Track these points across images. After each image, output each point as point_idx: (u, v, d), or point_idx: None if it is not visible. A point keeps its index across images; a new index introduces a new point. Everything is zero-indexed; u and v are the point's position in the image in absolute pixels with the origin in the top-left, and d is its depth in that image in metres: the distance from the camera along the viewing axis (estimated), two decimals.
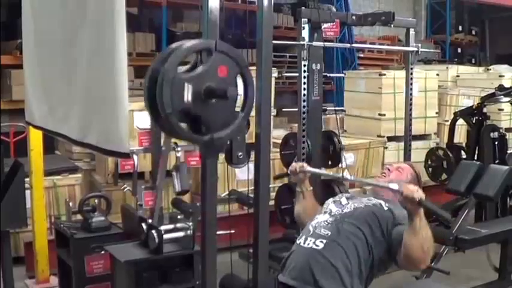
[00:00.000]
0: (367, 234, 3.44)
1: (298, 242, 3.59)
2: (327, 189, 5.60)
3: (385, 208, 3.57)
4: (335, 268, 3.37)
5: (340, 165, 3.83)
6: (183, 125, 2.71)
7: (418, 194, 3.12)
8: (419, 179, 3.88)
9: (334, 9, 5.92)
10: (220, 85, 2.70)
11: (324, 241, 3.45)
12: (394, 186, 3.36)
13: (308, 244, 3.49)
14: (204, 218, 2.94)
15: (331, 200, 3.77)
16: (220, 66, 2.73)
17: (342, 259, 3.39)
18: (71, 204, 4.99)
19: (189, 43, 2.74)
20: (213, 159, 2.92)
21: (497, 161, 6.89)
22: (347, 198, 3.73)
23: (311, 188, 3.99)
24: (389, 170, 3.89)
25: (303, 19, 5.41)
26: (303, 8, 5.46)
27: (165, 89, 2.58)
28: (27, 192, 5.28)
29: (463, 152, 7.61)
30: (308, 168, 3.91)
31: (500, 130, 7.19)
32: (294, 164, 3.94)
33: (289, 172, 3.97)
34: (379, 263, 3.47)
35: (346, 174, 3.75)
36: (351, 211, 3.59)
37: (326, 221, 3.57)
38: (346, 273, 3.37)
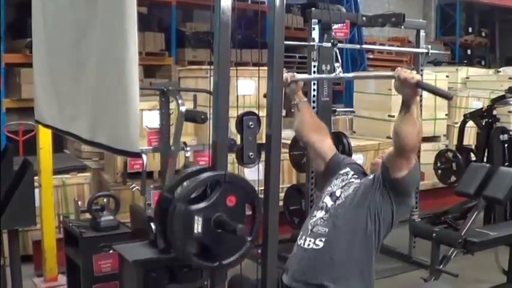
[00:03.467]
0: (363, 216, 3.43)
1: (298, 242, 3.57)
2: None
3: (369, 177, 3.59)
4: (338, 265, 3.37)
5: (334, 71, 3.76)
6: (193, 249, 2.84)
7: (416, 75, 3.10)
8: None
9: (343, 10, 5.91)
10: (229, 218, 2.79)
11: (323, 239, 3.44)
12: (390, 73, 3.28)
13: (308, 245, 3.48)
14: None
15: (327, 192, 3.70)
16: (229, 196, 2.82)
17: (344, 254, 3.39)
18: (79, 203, 4.99)
19: (200, 177, 2.83)
20: (221, 283, 3.03)
21: (506, 164, 6.87)
22: (341, 188, 3.66)
23: (305, 99, 3.96)
24: (382, 157, 3.77)
25: (313, 20, 5.41)
26: (314, 8, 5.45)
27: (175, 223, 2.70)
28: (36, 190, 5.29)
29: (472, 154, 7.58)
30: (299, 76, 3.87)
31: (510, 132, 7.18)
32: (284, 74, 3.70)
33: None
34: (389, 219, 3.48)
35: (339, 72, 3.67)
36: (342, 201, 3.56)
37: (322, 218, 3.54)
38: (350, 266, 3.37)
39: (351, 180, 3.70)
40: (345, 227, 3.45)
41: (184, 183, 2.86)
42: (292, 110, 3.96)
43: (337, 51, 4.37)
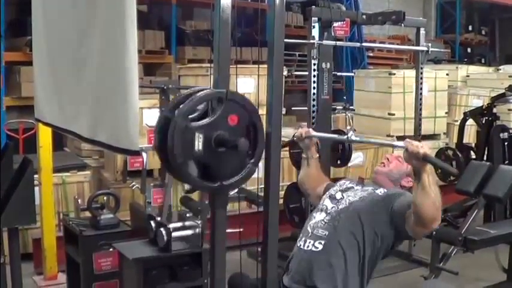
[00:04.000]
0: (366, 226, 3.43)
1: (298, 244, 3.57)
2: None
3: (380, 193, 3.58)
4: (335, 269, 3.36)
5: (346, 135, 3.80)
6: (194, 170, 2.77)
7: (423, 148, 3.08)
8: None
9: (343, 8, 5.91)
10: (231, 136, 2.74)
11: (323, 242, 3.44)
12: (399, 143, 3.32)
13: (308, 247, 3.48)
14: (214, 212, 2.95)
15: (327, 194, 3.74)
16: (230, 115, 2.77)
17: (342, 258, 3.38)
18: (79, 201, 4.99)
19: (200, 93, 2.77)
20: (222, 208, 2.96)
21: (506, 162, 6.87)
22: (342, 192, 3.69)
23: (317, 155, 3.98)
24: (388, 159, 3.88)
25: (313, 18, 5.40)
26: (314, 6, 5.45)
27: (176, 139, 2.64)
28: (36, 189, 5.29)
29: (472, 153, 7.58)
30: (314, 133, 3.89)
31: (510, 130, 7.17)
32: (300, 129, 3.91)
33: (295, 139, 3.94)
34: (387, 244, 3.46)
35: (351, 135, 3.70)
36: (346, 206, 3.57)
37: (323, 220, 3.55)
38: (346, 271, 3.36)
39: (350, 185, 3.75)
40: (345, 232, 3.45)
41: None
42: (303, 158, 4.02)
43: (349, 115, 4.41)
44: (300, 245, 3.54)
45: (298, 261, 3.51)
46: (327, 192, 3.77)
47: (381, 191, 3.61)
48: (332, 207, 3.60)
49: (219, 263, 2.99)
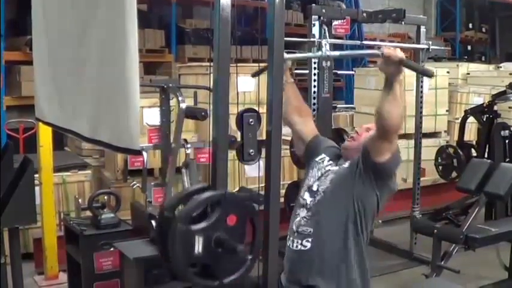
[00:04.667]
0: (345, 205, 3.39)
1: (287, 244, 3.56)
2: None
3: (345, 164, 3.52)
4: (328, 263, 3.35)
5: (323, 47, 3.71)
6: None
7: (399, 53, 3.07)
8: None
9: (344, 6, 5.90)
10: (229, 237, 2.76)
11: (310, 239, 3.42)
12: (375, 51, 3.35)
13: (296, 247, 3.47)
14: None
15: (305, 186, 3.65)
16: (229, 215, 2.78)
17: (332, 251, 3.37)
18: (80, 200, 4.99)
19: (200, 197, 2.79)
20: None
21: (507, 159, 6.86)
22: (317, 181, 3.59)
23: (292, 80, 3.88)
24: (357, 132, 3.71)
25: (313, 16, 5.39)
26: (314, 4, 5.44)
27: (177, 243, 2.66)
28: (37, 188, 5.29)
29: (473, 150, 7.58)
30: (286, 55, 3.70)
31: (511, 128, 7.16)
32: None
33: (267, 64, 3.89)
34: (372, 213, 3.42)
35: (327, 51, 3.65)
36: (322, 197, 3.51)
37: (305, 217, 3.51)
38: (341, 262, 3.35)
39: (326, 169, 3.63)
40: (329, 224, 3.42)
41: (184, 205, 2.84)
42: None
43: (326, 28, 4.34)
44: (289, 244, 3.53)
45: (290, 262, 3.51)
46: (306, 183, 3.68)
47: (345, 164, 3.54)
48: (311, 201, 3.54)
49: None
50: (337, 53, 3.84)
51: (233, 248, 2.74)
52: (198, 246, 2.70)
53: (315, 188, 3.59)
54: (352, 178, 3.40)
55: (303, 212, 3.56)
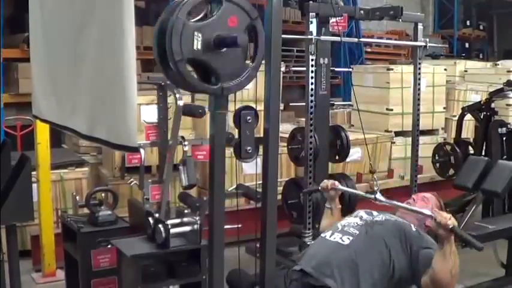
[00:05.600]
0: (392, 245, 3.51)
1: (323, 235, 3.65)
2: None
3: (414, 229, 3.64)
4: (355, 265, 3.40)
5: (373, 187, 3.89)
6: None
7: (451, 221, 3.21)
8: (443, 208, 3.91)
9: (341, 3, 5.89)
10: (230, 34, 2.71)
11: (351, 238, 3.53)
12: (427, 211, 3.48)
13: (334, 238, 3.57)
14: (212, 209, 2.94)
15: (362, 210, 3.86)
16: (230, 17, 2.74)
17: (364, 259, 3.43)
18: (77, 198, 4.98)
19: None
20: (222, 110, 2.93)
21: (505, 157, 6.86)
22: (378, 212, 3.80)
23: (340, 206, 4.15)
24: (414, 200, 3.98)
25: (310, 13, 5.39)
26: (311, 2, 5.44)
27: (174, 37, 2.60)
28: (34, 185, 5.28)
29: (470, 148, 7.59)
30: (340, 186, 4.07)
31: (508, 126, 7.17)
32: (326, 181, 4.12)
33: (320, 188, 4.12)
34: (399, 279, 3.51)
35: (379, 196, 3.79)
36: (381, 220, 3.68)
37: (356, 222, 3.66)
38: (365, 273, 3.39)
39: (387, 213, 3.83)
40: (374, 242, 3.52)
41: None
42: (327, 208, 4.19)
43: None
44: (325, 235, 3.64)
45: (318, 249, 3.59)
46: (362, 209, 3.88)
47: (414, 227, 3.66)
48: (367, 217, 3.72)
49: (217, 258, 2.98)
50: (384, 199, 3.95)
51: (233, 40, 2.69)
52: (197, 44, 2.66)
53: (374, 213, 3.78)
54: (409, 246, 3.53)
55: (353, 219, 3.73)
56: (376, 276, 3.42)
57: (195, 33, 2.64)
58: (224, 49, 2.71)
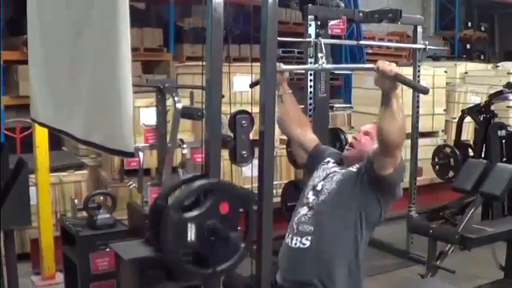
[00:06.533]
0: (348, 209, 3.40)
1: (286, 241, 3.56)
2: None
3: (354, 169, 3.52)
4: (325, 263, 3.36)
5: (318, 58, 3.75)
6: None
7: (395, 68, 3.10)
8: None
9: (342, 5, 5.89)
10: (222, 224, 2.77)
11: (309, 237, 3.42)
12: (370, 65, 3.34)
13: (295, 244, 3.47)
14: None
15: (309, 186, 3.66)
16: (221, 204, 2.78)
17: (330, 251, 3.38)
18: (76, 201, 4.99)
19: (192, 185, 2.80)
20: None
21: (504, 159, 6.87)
22: (322, 181, 3.60)
23: (290, 91, 3.87)
24: (356, 139, 3.72)
25: (309, 16, 5.39)
26: (310, 5, 5.44)
27: (169, 231, 2.67)
28: (33, 188, 5.29)
29: (470, 150, 7.58)
30: (284, 66, 3.77)
31: (508, 128, 7.17)
32: None
33: None
34: (374, 218, 3.44)
35: (323, 64, 3.68)
36: (326, 197, 3.51)
37: (306, 215, 3.51)
38: (337, 263, 3.35)
39: (332, 170, 3.63)
40: (330, 224, 3.42)
41: (177, 192, 2.85)
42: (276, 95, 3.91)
43: (322, 41, 4.36)
44: (288, 242, 3.54)
45: (287, 259, 3.51)
46: (310, 183, 3.69)
47: (353, 168, 3.53)
48: (313, 200, 3.55)
49: None
50: (332, 66, 3.86)
51: (226, 235, 2.74)
52: (191, 234, 2.70)
53: (319, 188, 3.59)
54: (357, 184, 3.42)
55: (304, 210, 3.57)
56: (349, 253, 3.37)
57: (189, 224, 2.71)
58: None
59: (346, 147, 3.79)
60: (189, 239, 2.70)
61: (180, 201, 2.73)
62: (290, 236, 3.54)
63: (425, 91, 3.27)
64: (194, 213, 2.73)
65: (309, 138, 3.89)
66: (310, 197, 3.59)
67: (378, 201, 3.42)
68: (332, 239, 3.39)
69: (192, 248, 2.75)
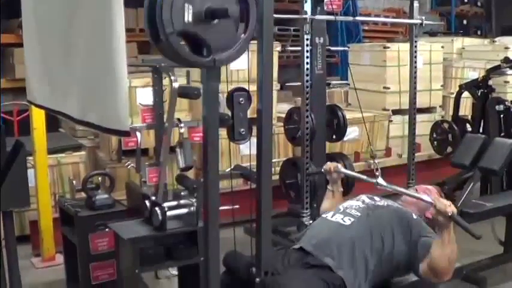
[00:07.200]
0: (393, 229, 3.51)
1: (324, 216, 3.69)
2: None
3: (415, 217, 3.64)
4: (354, 246, 3.40)
5: (374, 172, 3.87)
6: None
7: (451, 208, 3.21)
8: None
9: None
10: (221, 5, 2.67)
11: (352, 219, 3.55)
12: (428, 198, 3.47)
13: (335, 219, 3.60)
14: (206, 190, 2.94)
15: (364, 194, 3.86)
16: None
17: (364, 241, 3.44)
18: (74, 182, 4.98)
19: None
20: (214, 83, 2.87)
21: (502, 134, 6.85)
22: (380, 197, 3.82)
23: (341, 189, 4.15)
24: (416, 190, 3.95)
25: None
26: None
27: (164, 9, 2.54)
28: (31, 171, 5.29)
29: (468, 125, 7.57)
30: (343, 169, 4.06)
31: (506, 103, 7.14)
32: (329, 163, 4.12)
33: (323, 171, 4.11)
34: (397, 264, 3.52)
35: (381, 180, 3.79)
36: (383, 205, 3.69)
37: (358, 205, 3.68)
38: (363, 255, 3.40)
39: (389, 199, 3.85)
40: (375, 225, 3.52)
41: None
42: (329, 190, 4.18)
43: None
44: (326, 216, 3.67)
45: (319, 228, 3.62)
46: (364, 194, 3.89)
47: (415, 216, 3.67)
48: (369, 201, 3.73)
49: (212, 239, 2.98)
50: (388, 186, 3.94)
51: (225, 12, 2.65)
52: (188, 15, 2.60)
53: (376, 198, 3.80)
54: (409, 231, 3.53)
55: (355, 202, 3.74)
56: (374, 259, 3.42)
57: (186, 4, 2.58)
58: (215, 21, 2.67)
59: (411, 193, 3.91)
60: (186, 19, 2.60)
61: None
62: (332, 213, 3.69)
63: (478, 237, 3.39)
64: None
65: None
66: (366, 199, 3.78)
67: (406, 262, 3.52)
68: (369, 236, 3.48)
69: (189, 31, 2.64)
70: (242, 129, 3.25)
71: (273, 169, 3.77)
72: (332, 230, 3.52)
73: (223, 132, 3.30)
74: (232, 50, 2.77)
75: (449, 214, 3.19)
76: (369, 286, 3.43)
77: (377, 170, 3.84)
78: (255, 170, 3.19)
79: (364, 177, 4.08)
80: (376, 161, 4.27)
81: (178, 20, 2.58)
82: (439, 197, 3.46)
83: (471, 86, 7.52)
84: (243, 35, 2.80)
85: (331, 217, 3.62)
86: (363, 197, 3.81)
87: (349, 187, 5.60)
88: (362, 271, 3.39)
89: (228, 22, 2.71)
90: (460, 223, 3.30)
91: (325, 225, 3.60)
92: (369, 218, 3.54)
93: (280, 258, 3.49)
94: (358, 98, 5.46)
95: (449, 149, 7.31)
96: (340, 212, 3.62)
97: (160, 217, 3.84)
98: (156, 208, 3.88)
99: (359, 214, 3.57)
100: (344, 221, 3.54)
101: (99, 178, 4.89)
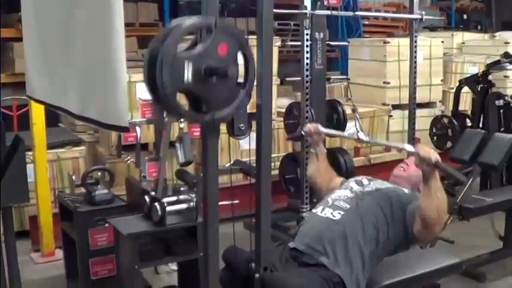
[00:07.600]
0: (387, 214, 3.50)
1: (314, 211, 3.65)
2: (331, 160, 5.65)
3: (406, 191, 3.66)
4: (347, 239, 3.39)
5: (354, 127, 3.83)
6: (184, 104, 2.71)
7: (434, 155, 3.19)
8: None
9: None
10: (220, 64, 2.67)
11: (342, 213, 3.52)
12: (410, 148, 3.44)
13: (325, 214, 3.56)
14: (206, 185, 2.94)
15: (352, 179, 3.83)
16: (220, 44, 2.69)
17: (357, 233, 3.43)
18: (74, 177, 4.97)
19: (188, 21, 2.70)
20: (214, 139, 2.91)
21: (502, 129, 6.85)
22: (368, 180, 3.79)
23: (325, 150, 4.07)
24: (407, 164, 3.91)
25: None
26: None
27: (164, 68, 2.54)
28: (31, 166, 5.28)
29: (468, 120, 7.57)
30: (322, 129, 3.94)
31: (506, 98, 7.14)
32: (308, 125, 4.00)
33: (303, 133, 4.04)
34: (395, 243, 3.53)
35: (362, 135, 3.76)
36: (371, 190, 3.66)
37: (346, 195, 3.63)
38: (357, 246, 3.39)
39: (379, 180, 3.82)
40: (365, 213, 3.51)
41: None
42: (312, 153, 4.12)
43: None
44: (316, 211, 3.64)
45: (310, 226, 3.57)
46: (352, 178, 3.87)
47: (406, 190, 3.69)
48: (358, 188, 3.69)
49: (212, 235, 2.98)
50: (367, 138, 3.93)
51: (224, 72, 2.66)
52: (188, 74, 2.61)
53: (365, 182, 3.76)
54: (401, 206, 3.54)
55: (344, 192, 3.70)
56: (370, 247, 3.41)
57: (185, 63, 2.59)
58: (214, 78, 2.68)
59: (398, 167, 3.99)
60: (185, 79, 2.60)
61: (175, 38, 2.60)
62: (321, 207, 3.65)
63: (463, 181, 3.38)
64: (191, 52, 2.65)
65: (335, 182, 4.05)
66: (354, 185, 3.74)
67: (403, 234, 3.53)
68: (361, 226, 3.46)
69: (189, 89, 2.65)
70: (242, 124, 3.24)
71: (272, 164, 3.76)
72: (323, 226, 3.50)
73: (222, 127, 3.30)
74: (232, 105, 2.79)
75: (434, 161, 3.17)
76: (368, 273, 3.44)
77: (358, 119, 3.80)
78: (254, 165, 3.19)
79: (346, 134, 4.05)
80: (360, 119, 4.12)
81: (178, 80, 2.59)
82: (422, 145, 3.45)
83: (471, 81, 7.52)
84: (242, 89, 2.81)
85: (321, 212, 3.59)
86: (351, 183, 3.77)
87: (349, 174, 5.58)
88: (358, 263, 3.38)
89: (227, 79, 2.72)
90: (445, 169, 3.30)
91: (316, 222, 3.57)
92: (359, 208, 3.52)
93: (278, 255, 3.49)
94: (358, 92, 5.45)
95: (449, 144, 7.31)
96: (329, 206, 3.59)
97: (159, 212, 3.83)
98: (156, 203, 3.87)
99: (348, 206, 3.54)
100: (334, 216, 3.51)
101: (99, 173, 4.88)
